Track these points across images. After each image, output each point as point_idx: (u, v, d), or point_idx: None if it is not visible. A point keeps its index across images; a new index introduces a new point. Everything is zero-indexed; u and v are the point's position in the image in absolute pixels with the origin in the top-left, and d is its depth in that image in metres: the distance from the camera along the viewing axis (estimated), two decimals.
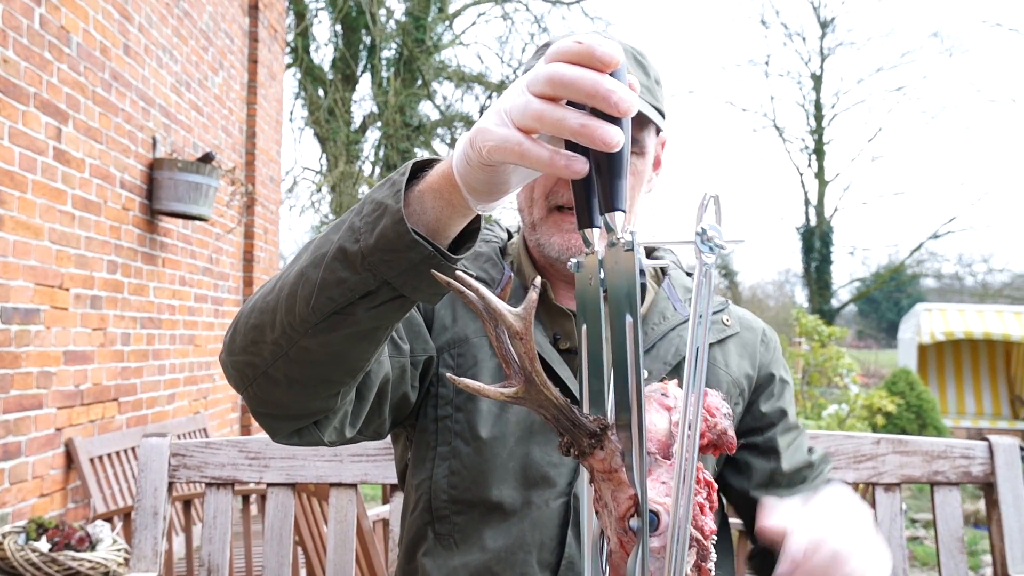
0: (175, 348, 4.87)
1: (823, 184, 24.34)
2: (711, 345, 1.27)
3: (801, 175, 24.93)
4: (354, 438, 1.11)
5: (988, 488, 1.75)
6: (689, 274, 1.36)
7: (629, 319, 0.68)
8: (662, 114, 1.20)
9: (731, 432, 0.76)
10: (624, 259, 0.68)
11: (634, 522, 0.69)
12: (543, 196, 1.19)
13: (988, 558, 5.50)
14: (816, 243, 23.68)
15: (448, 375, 0.70)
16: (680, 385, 0.76)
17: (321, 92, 15.54)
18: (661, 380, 0.83)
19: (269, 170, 6.64)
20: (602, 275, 0.73)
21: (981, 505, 5.97)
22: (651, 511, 0.69)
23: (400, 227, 0.79)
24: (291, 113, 15.01)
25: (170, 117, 4.77)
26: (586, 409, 0.74)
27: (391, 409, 1.15)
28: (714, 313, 1.30)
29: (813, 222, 24.18)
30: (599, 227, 0.73)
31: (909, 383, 8.91)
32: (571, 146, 0.71)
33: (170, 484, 1.77)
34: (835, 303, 24.55)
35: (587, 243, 0.74)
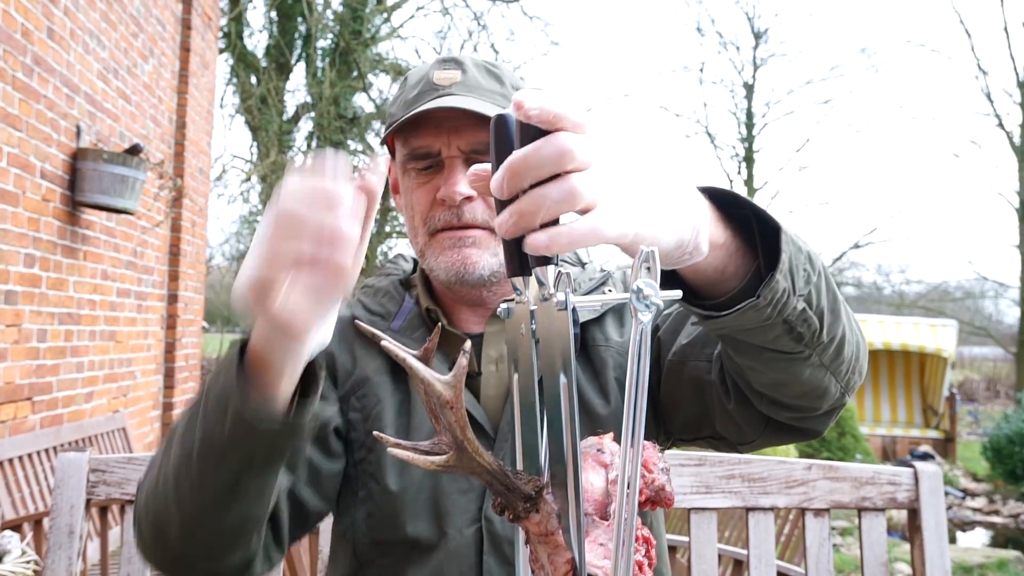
0: (95, 344, 4.70)
1: (752, 191, 24.88)
2: (589, 324, 1.24)
3: (731, 182, 25.47)
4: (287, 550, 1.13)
5: (912, 514, 1.79)
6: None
7: (563, 379, 0.68)
8: None
9: (668, 487, 0.76)
10: (557, 318, 0.68)
11: None
12: (422, 223, 1.18)
13: (900, 566, 5.69)
14: None
15: (379, 436, 0.69)
16: (615, 439, 0.76)
17: (254, 80, 15.25)
18: (596, 434, 0.82)
19: (199, 161, 6.47)
20: (534, 326, 0.72)
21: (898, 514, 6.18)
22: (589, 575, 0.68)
23: (246, 420, 0.82)
24: (222, 100, 14.72)
25: (96, 105, 4.59)
26: (519, 464, 0.73)
27: (324, 494, 1.17)
28: (592, 292, 1.26)
29: None
30: (529, 276, 0.71)
31: None
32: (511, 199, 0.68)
33: (88, 501, 1.71)
34: None
35: (516, 289, 0.73)
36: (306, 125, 15.93)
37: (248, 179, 14.99)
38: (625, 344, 1.24)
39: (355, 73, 14.95)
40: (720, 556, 2.80)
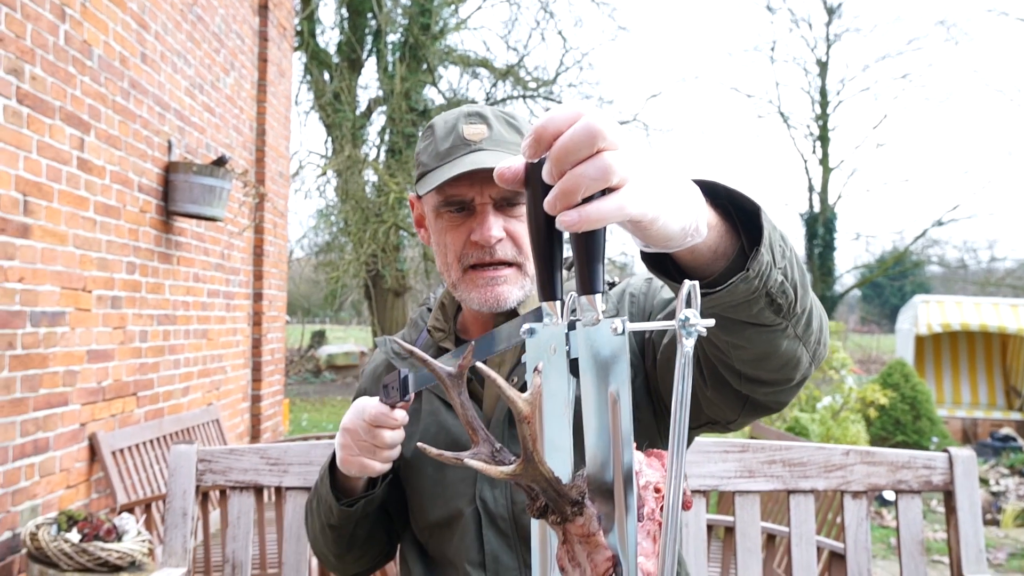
0: (189, 343, 5.04)
1: (827, 171, 24.33)
2: None
3: (805, 162, 24.91)
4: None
5: (948, 496, 1.87)
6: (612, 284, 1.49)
7: (612, 391, 0.77)
8: None
9: (688, 491, 0.86)
10: (611, 340, 0.77)
11: None
12: (456, 260, 1.36)
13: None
14: (819, 230, 23.69)
15: (466, 460, 0.77)
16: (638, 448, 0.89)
17: (327, 76, 15.55)
18: None
19: (278, 166, 6.79)
20: (567, 346, 0.83)
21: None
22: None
23: (338, 508, 1.40)
24: (296, 98, 15.03)
25: (184, 120, 4.91)
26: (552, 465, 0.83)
27: (393, 496, 1.53)
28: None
29: (817, 209, 24.19)
30: (561, 299, 0.84)
31: (904, 375, 9.04)
32: (547, 220, 0.80)
33: (197, 487, 1.93)
34: (838, 289, 24.59)
35: (547, 314, 0.85)
36: (378, 119, 16.19)
37: (323, 174, 15.30)
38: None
39: (424, 66, 15.14)
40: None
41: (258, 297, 6.31)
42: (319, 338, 21.60)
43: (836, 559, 2.70)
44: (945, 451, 1.88)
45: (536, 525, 0.90)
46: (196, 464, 1.93)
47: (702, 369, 1.20)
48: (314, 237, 18.11)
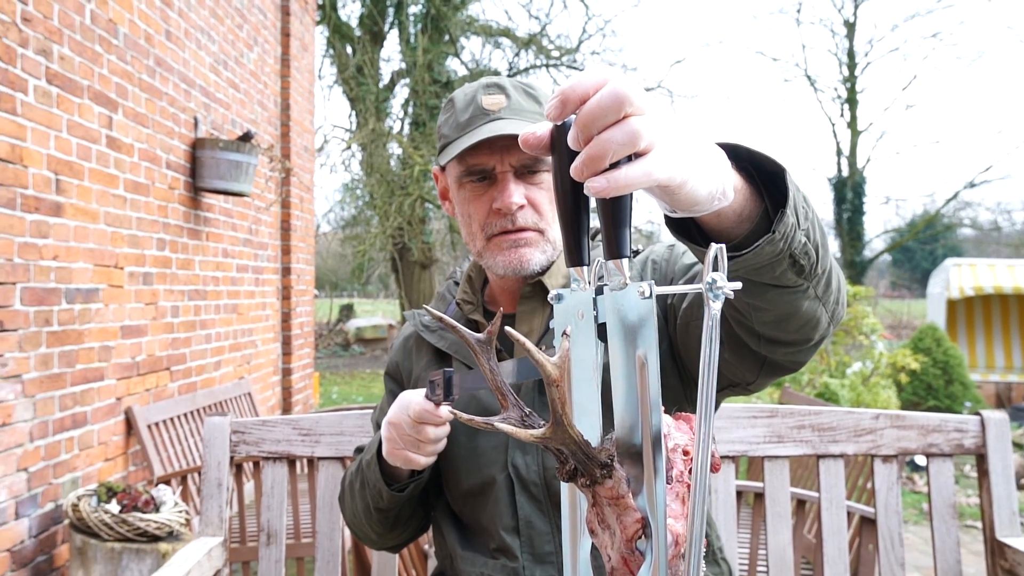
0: (220, 317, 5.11)
1: (856, 134, 23.99)
2: None
3: (833, 125, 24.62)
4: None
5: (980, 459, 1.85)
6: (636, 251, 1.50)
7: (640, 355, 0.78)
8: None
9: (717, 453, 0.89)
10: (639, 304, 0.78)
11: (641, 544, 0.78)
12: (480, 229, 1.38)
13: None
14: (848, 194, 23.41)
15: (496, 423, 0.78)
16: (666, 412, 0.90)
17: (349, 50, 15.51)
18: None
19: (303, 140, 6.81)
20: (594, 312, 0.83)
21: None
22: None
23: (389, 494, 1.42)
24: (319, 72, 15.03)
25: (209, 96, 4.94)
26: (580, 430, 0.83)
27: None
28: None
29: (845, 172, 23.89)
30: (587, 264, 0.84)
31: (936, 339, 8.95)
32: (574, 186, 0.81)
33: (231, 458, 1.96)
34: (868, 253, 24.34)
35: (575, 280, 0.85)
36: (402, 92, 16.15)
37: (348, 148, 15.32)
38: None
39: (447, 37, 15.06)
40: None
41: (286, 271, 6.37)
42: (347, 312, 21.75)
43: (867, 524, 2.70)
44: (977, 414, 1.87)
45: (566, 489, 0.92)
46: (230, 435, 1.96)
47: (721, 332, 1.21)
48: (340, 211, 18.20)
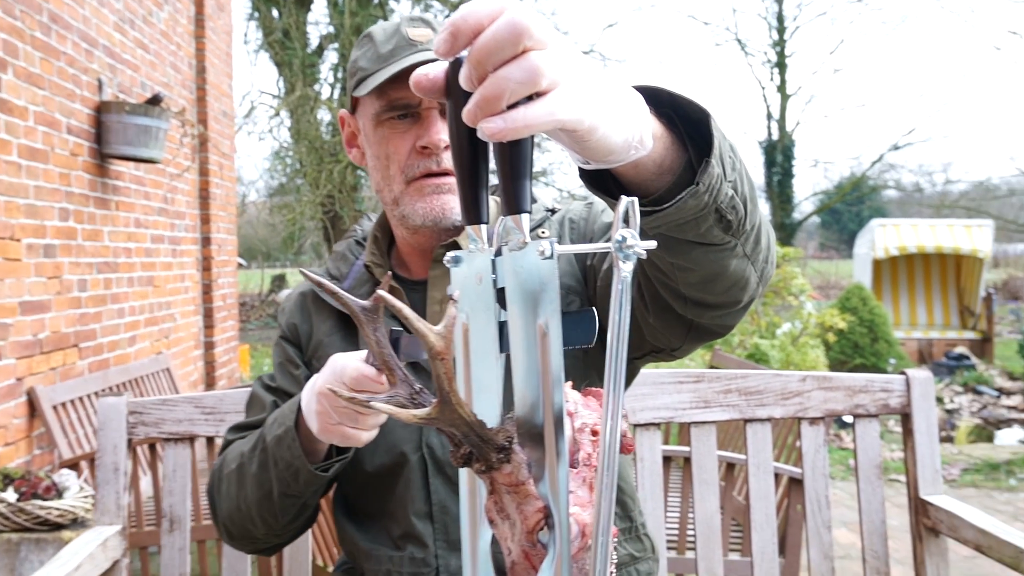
0: (133, 291, 4.88)
1: (785, 98, 24.32)
2: None
3: (763, 89, 24.91)
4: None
5: (905, 418, 1.84)
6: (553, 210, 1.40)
7: (541, 323, 0.69)
8: None
9: (629, 433, 0.79)
10: (539, 266, 0.69)
11: (543, 535, 0.70)
12: (400, 171, 1.25)
13: None
14: (778, 157, 23.78)
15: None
16: (574, 387, 0.80)
17: (276, 14, 15.09)
18: None
19: (221, 104, 6.54)
20: (494, 275, 0.74)
21: None
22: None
23: (311, 475, 1.21)
24: (245, 36, 14.62)
25: (115, 57, 4.67)
26: (477, 409, 0.76)
27: None
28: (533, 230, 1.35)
29: (775, 136, 24.25)
30: (485, 223, 0.75)
31: (862, 298, 9.15)
32: (470, 133, 0.71)
33: (129, 440, 1.84)
34: (797, 216, 24.82)
35: (472, 240, 0.76)
36: (330, 56, 15.81)
37: (277, 114, 14.95)
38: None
39: (375, 1, 14.74)
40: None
41: (206, 242, 6.13)
42: (279, 282, 21.43)
43: (795, 484, 2.70)
44: (902, 373, 1.86)
45: (464, 475, 0.83)
46: (127, 416, 1.85)
47: (644, 295, 1.12)
48: (269, 180, 17.80)
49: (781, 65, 24.35)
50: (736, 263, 0.97)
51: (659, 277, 1.04)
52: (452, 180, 1.23)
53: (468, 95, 0.65)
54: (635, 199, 0.66)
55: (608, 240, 0.66)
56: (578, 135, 0.69)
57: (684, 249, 0.93)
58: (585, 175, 0.85)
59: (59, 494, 2.90)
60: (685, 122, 0.86)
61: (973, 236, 11.82)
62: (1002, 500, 5.23)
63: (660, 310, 1.10)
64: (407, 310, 0.65)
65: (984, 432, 7.47)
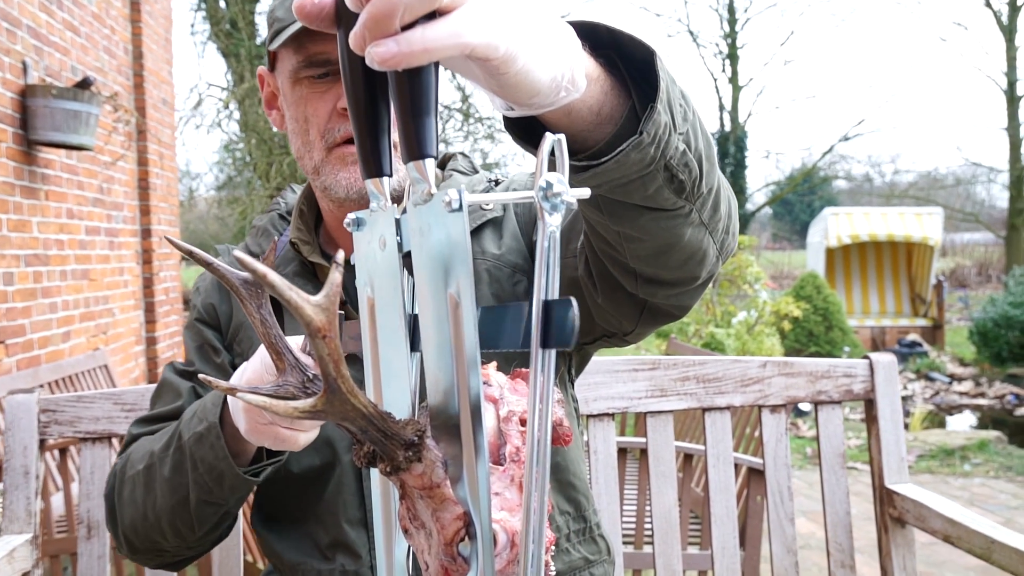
0: (67, 284, 4.65)
1: (737, 89, 24.50)
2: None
3: (715, 80, 25.10)
4: None
5: (868, 404, 1.79)
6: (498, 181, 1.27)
7: (452, 292, 0.56)
8: None
9: (566, 421, 0.67)
10: (444, 221, 0.56)
11: (464, 547, 0.59)
12: (320, 136, 1.11)
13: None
14: (731, 148, 23.97)
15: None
16: (499, 369, 0.68)
17: (223, 3, 14.78)
18: None
19: (161, 92, 6.30)
20: (398, 237, 0.63)
21: None
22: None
23: (239, 480, 1.02)
24: (192, 26, 14.30)
25: (41, 39, 4.43)
26: (380, 400, 0.65)
27: None
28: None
29: (728, 127, 24.43)
30: (388, 175, 0.63)
31: (816, 287, 9.20)
32: (365, 72, 0.60)
33: (42, 441, 1.71)
34: (750, 207, 25.06)
35: (374, 197, 0.64)
36: None
37: (226, 106, 14.65)
38: (503, 257, 1.18)
39: None
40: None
41: (147, 234, 5.89)
42: None
43: (755, 475, 2.63)
44: (866, 357, 1.79)
45: (376, 477, 0.70)
46: (38, 415, 1.73)
47: (591, 272, 0.99)
48: (218, 173, 17.45)
49: (733, 56, 24.52)
50: (692, 232, 0.86)
51: (606, 250, 0.92)
52: None
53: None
54: (561, 136, 0.54)
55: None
56: (493, 66, 0.57)
57: (631, 215, 0.82)
58: (511, 125, 0.73)
59: None
60: (627, 64, 0.74)
61: (924, 223, 11.97)
62: (957, 486, 5.24)
63: (609, 289, 0.98)
64: (273, 276, 0.52)
65: (937, 418, 7.54)
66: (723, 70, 24.77)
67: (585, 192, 0.56)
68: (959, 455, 5.77)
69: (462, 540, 0.59)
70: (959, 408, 8.19)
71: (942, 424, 7.43)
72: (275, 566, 1.26)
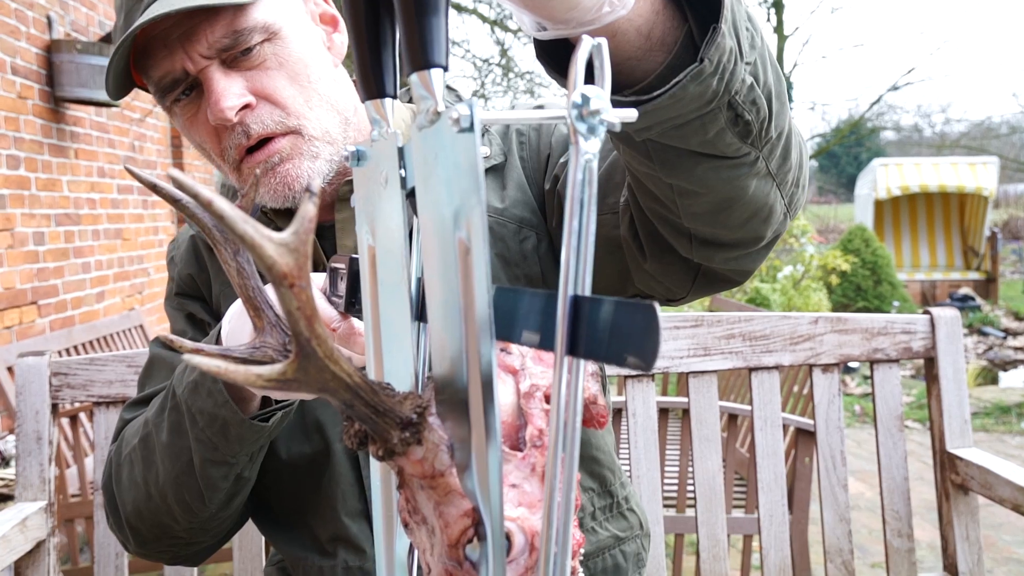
0: (100, 244, 4.62)
1: (782, 38, 23.79)
2: None
3: None
4: None
5: (929, 363, 1.68)
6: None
7: (461, 236, 0.44)
8: None
9: (601, 399, 0.55)
10: (454, 145, 0.43)
11: (472, 550, 0.47)
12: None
13: None
14: None
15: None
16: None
17: None
18: None
19: None
20: (403, 171, 0.51)
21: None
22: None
23: (244, 427, 0.89)
24: None
25: None
26: (381, 369, 0.54)
27: None
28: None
29: None
30: (392, 96, 0.53)
31: (864, 240, 8.94)
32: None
33: (55, 405, 1.65)
34: None
35: (375, 123, 0.53)
36: None
37: None
38: (508, 211, 1.04)
39: None
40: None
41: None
42: None
43: (803, 435, 2.50)
44: (927, 312, 1.66)
45: (375, 464, 0.59)
46: (49, 379, 1.68)
47: (637, 234, 0.86)
48: None
49: (778, 5, 23.79)
50: (757, 184, 0.73)
51: (655, 208, 0.79)
52: (279, 144, 0.95)
53: None
54: (602, 40, 0.41)
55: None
56: None
57: (687, 165, 0.69)
58: (542, 51, 0.62)
59: (6, 462, 2.70)
60: None
61: (978, 174, 11.57)
62: (1014, 444, 5.05)
63: (659, 252, 0.85)
64: (221, 201, 0.38)
65: (990, 374, 7.32)
66: (767, 19, 24.06)
67: (632, 114, 0.43)
68: (1015, 412, 5.57)
69: (470, 541, 0.47)
70: (1014, 364, 7.93)
71: (995, 380, 7.20)
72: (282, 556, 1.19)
